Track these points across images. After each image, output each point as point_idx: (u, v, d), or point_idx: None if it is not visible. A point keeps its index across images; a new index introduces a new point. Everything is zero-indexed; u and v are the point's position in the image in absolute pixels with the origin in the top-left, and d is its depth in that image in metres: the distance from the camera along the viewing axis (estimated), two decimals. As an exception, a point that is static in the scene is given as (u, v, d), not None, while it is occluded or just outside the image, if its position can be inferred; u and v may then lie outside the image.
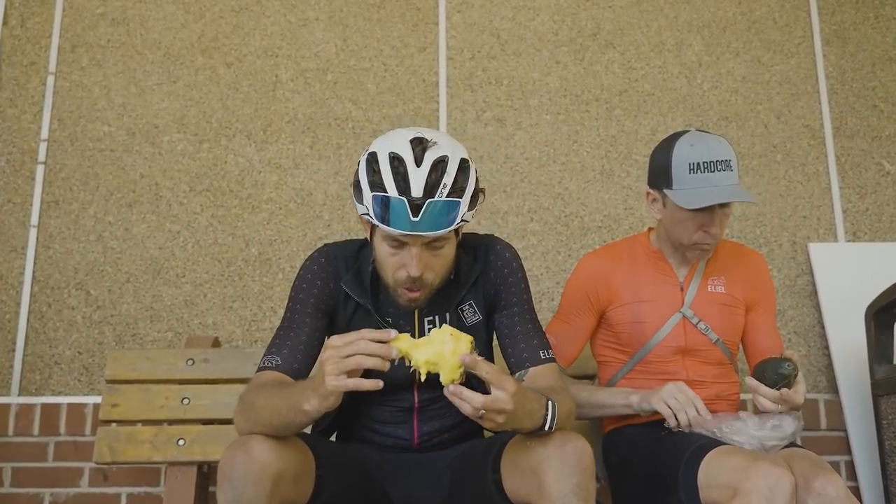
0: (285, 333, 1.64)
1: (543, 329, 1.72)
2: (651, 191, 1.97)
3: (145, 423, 2.24)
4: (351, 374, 1.34)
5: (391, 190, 1.47)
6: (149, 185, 2.77)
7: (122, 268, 2.69)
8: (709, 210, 1.85)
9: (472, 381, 1.38)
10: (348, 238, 1.83)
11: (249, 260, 2.71)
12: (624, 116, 2.90)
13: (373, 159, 1.51)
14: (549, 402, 1.44)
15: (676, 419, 1.79)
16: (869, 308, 2.41)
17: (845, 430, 2.57)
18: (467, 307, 1.70)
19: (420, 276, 1.53)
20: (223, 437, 2.18)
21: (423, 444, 1.71)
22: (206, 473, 2.31)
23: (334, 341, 1.36)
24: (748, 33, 3.01)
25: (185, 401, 2.23)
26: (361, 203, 1.53)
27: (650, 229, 2.09)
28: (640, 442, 1.88)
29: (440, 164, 1.48)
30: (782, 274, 2.77)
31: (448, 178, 1.48)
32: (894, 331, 2.39)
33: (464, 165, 1.52)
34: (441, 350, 1.34)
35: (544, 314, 2.53)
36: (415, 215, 1.46)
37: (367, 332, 1.35)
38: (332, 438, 1.79)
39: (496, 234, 1.78)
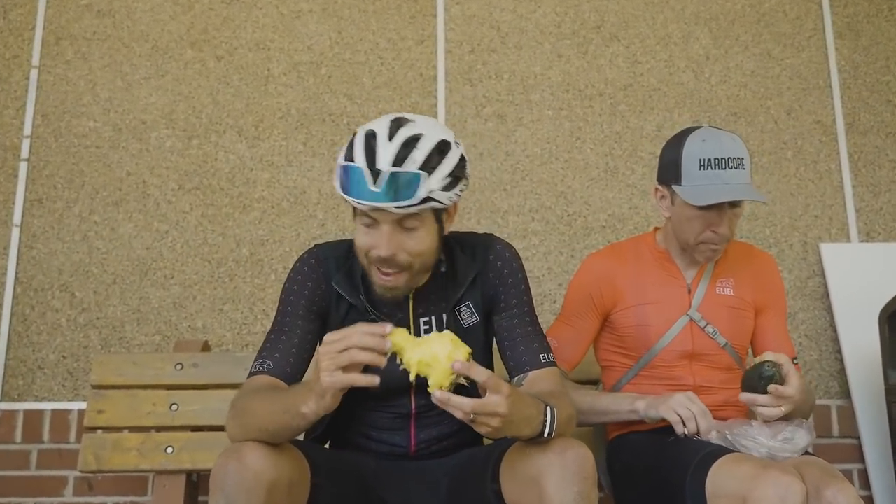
0: (276, 337, 1.64)
1: (544, 332, 1.72)
2: (659, 187, 1.97)
3: (132, 429, 2.24)
4: (347, 370, 1.34)
5: (359, 161, 1.50)
6: (136, 183, 2.77)
7: (108, 269, 2.69)
8: (718, 208, 1.85)
9: (472, 391, 1.38)
10: (343, 238, 1.83)
11: (240, 261, 2.71)
12: (629, 112, 2.90)
13: (352, 138, 1.55)
14: (548, 408, 1.44)
15: (685, 425, 1.79)
16: (883, 311, 2.41)
17: (858, 438, 2.57)
18: (465, 308, 1.70)
19: (391, 256, 1.53)
20: (213, 445, 2.17)
21: (420, 452, 1.70)
22: (196, 482, 2.31)
23: (329, 337, 1.36)
24: (757, 26, 3.01)
25: (174, 407, 2.23)
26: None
27: (656, 229, 2.09)
28: (646, 449, 1.88)
29: (413, 140, 1.50)
30: (793, 275, 2.77)
31: (418, 154, 1.49)
32: (909, 334, 2.40)
33: (442, 147, 1.53)
34: (436, 353, 1.34)
35: (546, 317, 2.54)
36: (376, 185, 1.47)
37: (361, 325, 1.36)
38: (326, 446, 1.78)
39: (496, 234, 1.78)
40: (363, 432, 1.72)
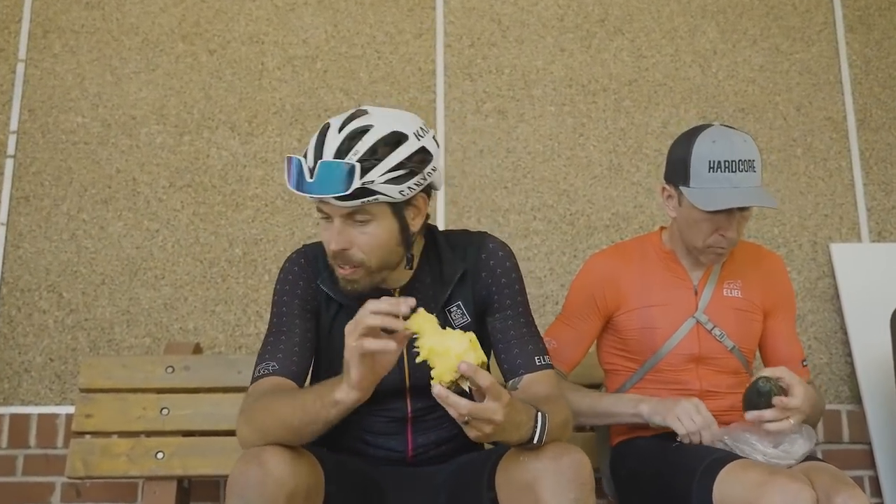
0: (276, 338, 1.64)
1: (541, 333, 1.72)
2: (667, 186, 1.96)
3: (121, 434, 2.24)
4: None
5: (309, 153, 1.53)
6: (125, 181, 2.76)
7: (96, 269, 2.69)
8: (726, 212, 1.85)
9: (469, 396, 1.38)
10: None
11: (233, 260, 2.71)
12: (633, 108, 2.90)
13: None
14: (539, 414, 1.43)
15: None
16: (895, 312, 2.41)
17: (869, 443, 2.57)
18: (455, 308, 1.70)
19: (341, 250, 1.55)
20: (205, 450, 2.18)
21: (417, 457, 1.71)
22: (187, 489, 2.31)
23: (348, 326, 1.36)
24: (766, 19, 3.01)
25: (165, 411, 2.22)
26: None
27: (662, 228, 2.09)
28: (651, 455, 1.88)
29: (360, 132, 1.52)
30: (802, 276, 2.77)
31: (362, 146, 1.50)
32: (922, 337, 2.40)
33: (393, 139, 1.53)
34: (449, 347, 1.33)
35: (548, 319, 2.53)
36: (310, 176, 1.50)
37: (385, 298, 1.36)
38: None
39: (497, 233, 1.79)
40: (360, 437, 1.72)
